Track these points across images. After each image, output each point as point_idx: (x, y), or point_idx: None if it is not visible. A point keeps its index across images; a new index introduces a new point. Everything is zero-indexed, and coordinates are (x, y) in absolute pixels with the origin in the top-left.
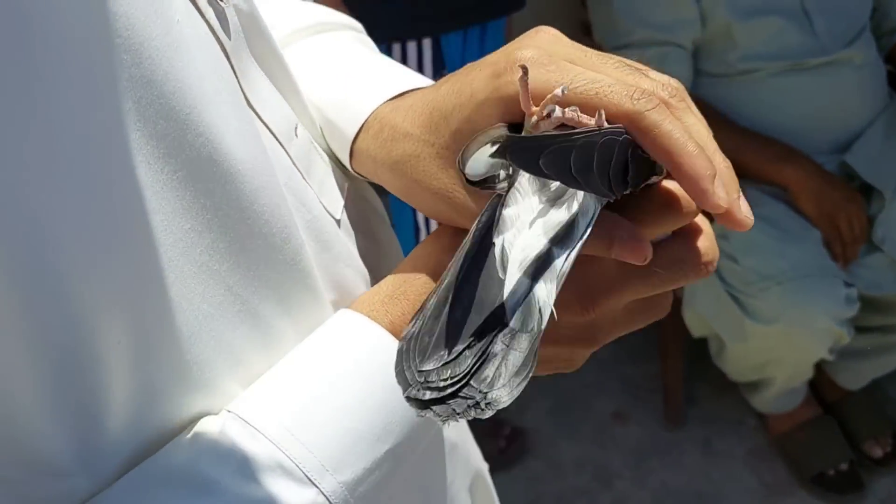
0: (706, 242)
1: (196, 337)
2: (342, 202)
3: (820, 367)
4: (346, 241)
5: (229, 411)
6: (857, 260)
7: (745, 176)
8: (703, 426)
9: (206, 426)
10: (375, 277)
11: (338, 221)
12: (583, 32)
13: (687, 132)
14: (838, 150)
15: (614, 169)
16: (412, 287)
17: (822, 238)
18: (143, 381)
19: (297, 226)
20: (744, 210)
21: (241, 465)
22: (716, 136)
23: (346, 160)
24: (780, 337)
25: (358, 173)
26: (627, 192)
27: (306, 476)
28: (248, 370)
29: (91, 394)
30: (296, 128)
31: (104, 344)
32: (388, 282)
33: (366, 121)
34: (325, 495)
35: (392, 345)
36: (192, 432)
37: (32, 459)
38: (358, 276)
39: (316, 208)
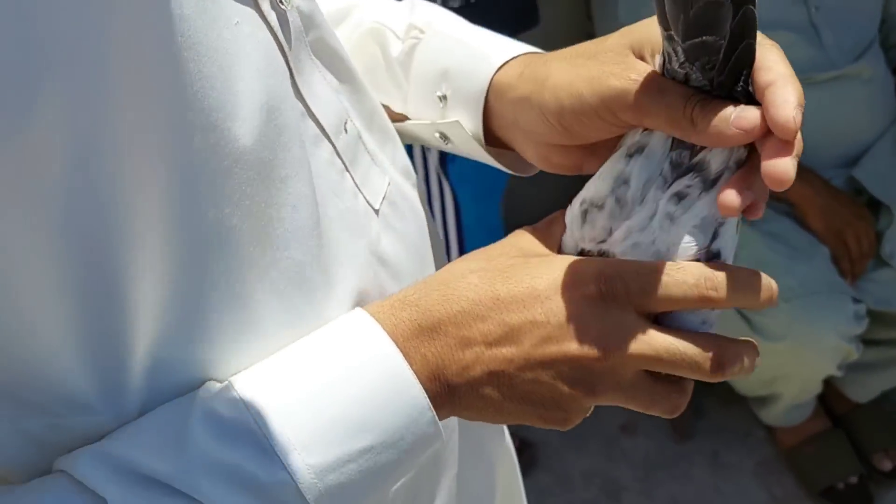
0: (735, 351)
1: (222, 306)
2: (382, 194)
3: (828, 379)
4: (379, 233)
5: (228, 381)
6: (865, 275)
7: None
8: (712, 438)
9: (207, 389)
10: (405, 272)
11: (376, 211)
12: None
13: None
14: (846, 164)
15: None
16: (426, 299)
17: (829, 254)
18: (165, 334)
19: (327, 216)
20: (793, 163)
21: (222, 431)
22: None
23: (483, 84)
24: (787, 354)
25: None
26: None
27: (273, 449)
28: (264, 344)
29: (114, 335)
30: (345, 123)
31: (133, 294)
32: (408, 288)
33: (523, 53)
34: (289, 472)
35: (387, 347)
36: (192, 392)
37: (62, 393)
38: (384, 267)
39: (350, 199)
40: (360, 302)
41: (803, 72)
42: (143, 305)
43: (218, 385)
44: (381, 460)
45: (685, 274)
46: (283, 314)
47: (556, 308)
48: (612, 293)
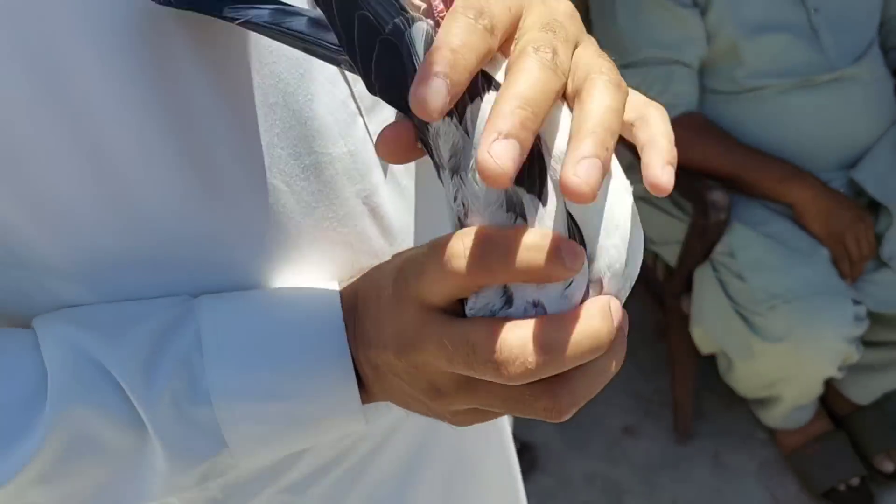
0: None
1: (174, 212)
2: None
3: (830, 381)
4: (378, 185)
5: (196, 309)
6: (865, 277)
7: (752, 194)
8: (713, 440)
9: (175, 305)
10: (402, 229)
11: (384, 167)
12: None
13: (469, 43)
14: (846, 166)
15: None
16: (347, 299)
17: (829, 256)
18: (114, 226)
19: (327, 154)
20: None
21: (165, 350)
22: (723, 155)
23: None
24: (787, 355)
25: None
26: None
27: (207, 390)
28: (222, 259)
29: (70, 208)
30: None
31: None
32: (347, 289)
33: None
34: (215, 413)
35: (340, 337)
36: (163, 300)
37: (38, 253)
38: (374, 219)
39: (357, 144)
40: (335, 246)
41: (802, 74)
42: (93, 199)
43: (187, 305)
44: (296, 430)
45: (446, 250)
46: (248, 239)
47: (374, 306)
48: (399, 288)
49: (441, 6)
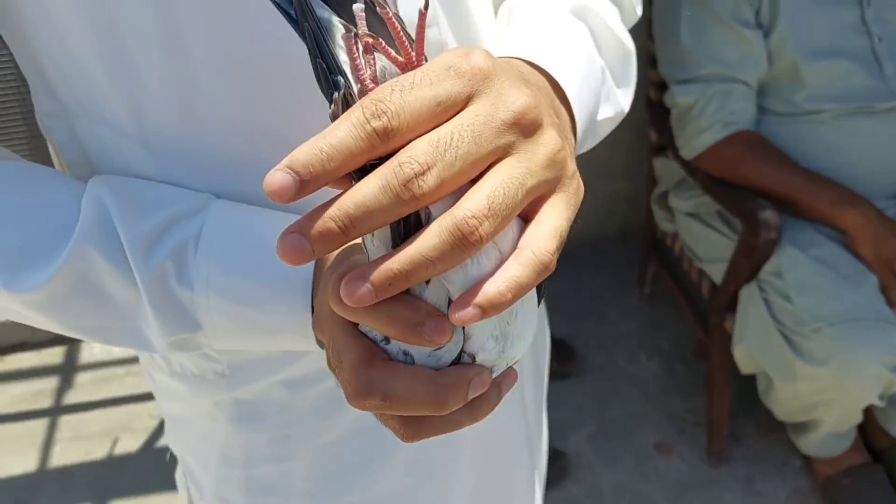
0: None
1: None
2: None
3: (870, 413)
4: None
5: (206, 212)
6: None
7: (805, 216)
8: (747, 464)
9: (200, 198)
10: None
11: None
12: (648, 65)
13: (342, 148)
14: None
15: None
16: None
17: (878, 283)
18: (179, 93)
19: None
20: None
21: (168, 241)
22: (777, 175)
23: None
24: (829, 379)
25: None
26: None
27: (192, 282)
28: (260, 156)
29: (132, 75)
30: None
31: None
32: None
33: None
34: (193, 284)
35: (308, 274)
36: (180, 192)
37: (115, 119)
38: None
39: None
40: None
41: (862, 100)
42: (150, 66)
43: (205, 202)
44: (257, 334)
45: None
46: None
47: (327, 276)
48: (329, 278)
49: (371, 84)
